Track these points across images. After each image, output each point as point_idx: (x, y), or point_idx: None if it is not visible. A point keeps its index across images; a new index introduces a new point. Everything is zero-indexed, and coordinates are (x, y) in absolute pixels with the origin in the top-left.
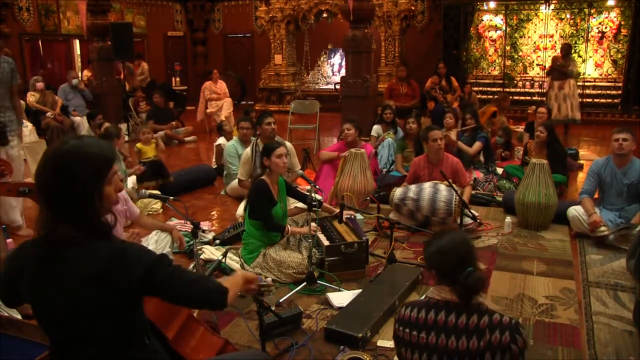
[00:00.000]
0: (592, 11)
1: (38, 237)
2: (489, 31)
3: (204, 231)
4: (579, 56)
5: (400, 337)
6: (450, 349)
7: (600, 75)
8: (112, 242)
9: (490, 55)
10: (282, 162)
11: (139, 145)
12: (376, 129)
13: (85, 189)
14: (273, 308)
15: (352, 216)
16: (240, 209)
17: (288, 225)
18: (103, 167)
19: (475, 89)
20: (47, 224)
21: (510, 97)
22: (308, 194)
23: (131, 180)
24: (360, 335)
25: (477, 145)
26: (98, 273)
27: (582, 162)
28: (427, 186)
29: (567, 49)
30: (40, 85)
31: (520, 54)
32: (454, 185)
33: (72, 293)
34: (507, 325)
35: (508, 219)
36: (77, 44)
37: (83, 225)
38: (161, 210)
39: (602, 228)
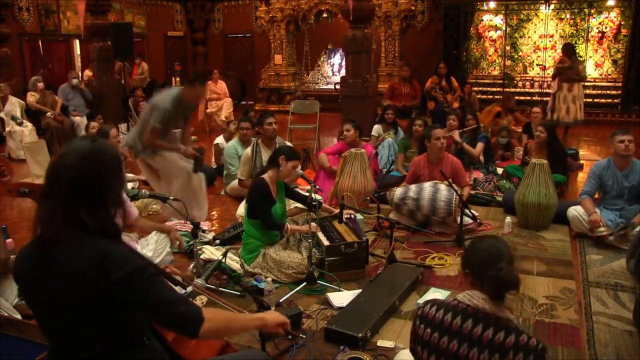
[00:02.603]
0: (592, 11)
1: (35, 237)
2: (489, 31)
3: (204, 231)
4: (579, 56)
5: (420, 335)
6: None
7: (600, 75)
8: (103, 241)
9: (490, 55)
10: (295, 172)
11: None
12: (376, 128)
13: (111, 184)
14: (273, 308)
15: (352, 216)
16: (240, 209)
17: (287, 224)
18: (120, 163)
19: (475, 89)
20: (47, 223)
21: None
22: (308, 194)
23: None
24: (360, 335)
25: (480, 146)
26: (80, 270)
27: (582, 162)
28: (428, 186)
29: (570, 49)
30: (41, 85)
31: (520, 54)
32: (454, 185)
33: (61, 292)
34: (534, 349)
35: (508, 219)
36: (77, 44)
37: (99, 223)
38: (161, 210)
39: (602, 228)
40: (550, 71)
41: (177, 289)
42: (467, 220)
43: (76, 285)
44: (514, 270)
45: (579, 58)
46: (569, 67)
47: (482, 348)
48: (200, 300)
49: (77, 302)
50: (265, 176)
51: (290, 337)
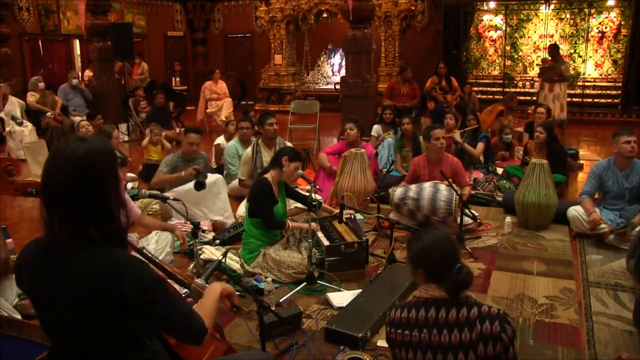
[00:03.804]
0: (592, 11)
1: (42, 237)
2: (489, 31)
3: (204, 231)
4: (579, 56)
5: (393, 338)
6: (444, 344)
7: (600, 75)
8: (110, 251)
9: (490, 55)
10: (296, 173)
11: (149, 145)
12: (376, 129)
13: (109, 186)
14: (273, 308)
15: (352, 216)
16: (241, 209)
17: (288, 222)
18: (115, 160)
19: (475, 89)
20: (52, 227)
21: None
22: (308, 194)
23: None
24: (360, 335)
25: (480, 146)
26: (87, 280)
27: (582, 162)
28: (428, 186)
29: (553, 50)
30: (42, 85)
31: (520, 54)
32: (454, 185)
33: (64, 296)
34: (496, 315)
35: (508, 219)
36: (77, 44)
37: (104, 227)
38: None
39: (602, 225)
40: None
41: (178, 288)
42: (467, 220)
43: (82, 293)
44: (469, 269)
45: (563, 58)
46: (549, 68)
47: (451, 328)
48: None
49: (80, 308)
50: (268, 176)
51: (235, 309)
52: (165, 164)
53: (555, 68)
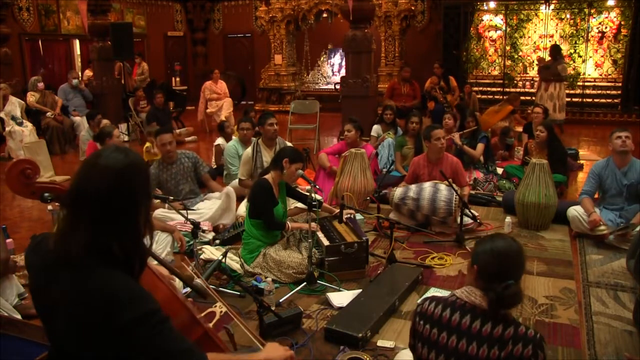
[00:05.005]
0: (592, 11)
1: (48, 239)
2: (489, 31)
3: (204, 231)
4: (579, 56)
5: (420, 331)
6: (470, 355)
7: (600, 75)
8: (117, 276)
9: (490, 55)
10: (297, 175)
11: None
12: (376, 128)
13: (143, 204)
14: (273, 308)
15: (352, 215)
16: (241, 209)
17: (288, 222)
18: (150, 176)
19: (475, 89)
20: (66, 238)
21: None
22: (308, 194)
23: None
24: (360, 335)
25: (481, 147)
26: (88, 301)
27: (582, 162)
28: (428, 186)
29: (554, 50)
30: (41, 85)
31: (520, 54)
32: (454, 185)
33: (66, 311)
34: (532, 338)
35: (508, 219)
36: (77, 44)
37: (127, 246)
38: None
39: (602, 227)
40: None
41: (180, 287)
42: (467, 220)
43: (78, 311)
44: (519, 290)
45: (562, 59)
46: (545, 67)
47: (482, 342)
48: (219, 309)
49: (76, 325)
50: (268, 176)
51: None
52: None
53: (550, 68)
